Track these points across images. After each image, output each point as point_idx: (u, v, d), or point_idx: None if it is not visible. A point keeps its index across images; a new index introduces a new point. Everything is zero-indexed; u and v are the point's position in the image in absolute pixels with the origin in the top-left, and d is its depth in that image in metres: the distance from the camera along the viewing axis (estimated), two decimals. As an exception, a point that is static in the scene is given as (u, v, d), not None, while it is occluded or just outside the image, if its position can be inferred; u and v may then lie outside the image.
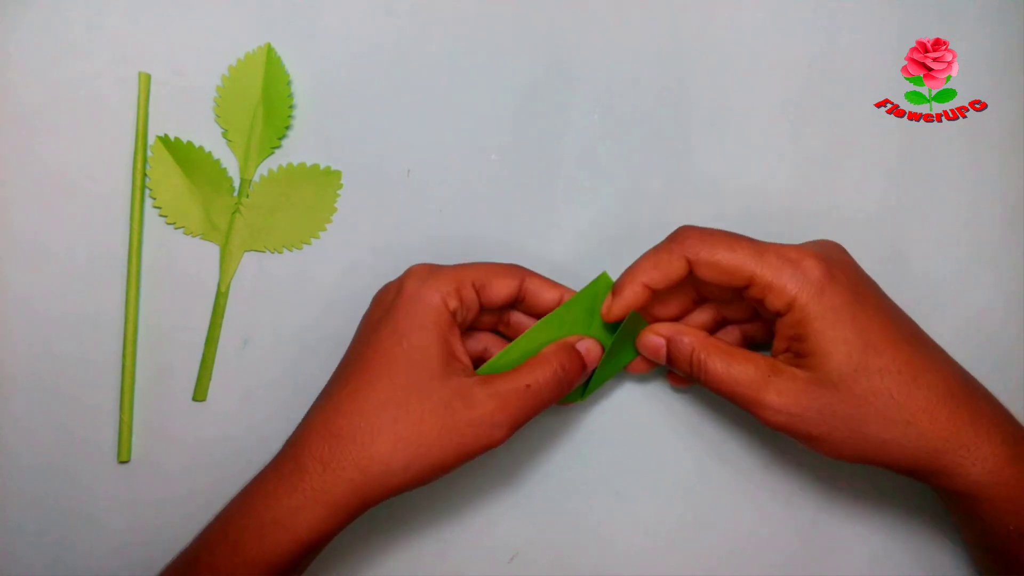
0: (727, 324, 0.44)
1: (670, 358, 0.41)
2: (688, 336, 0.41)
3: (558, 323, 0.41)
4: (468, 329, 0.43)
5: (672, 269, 0.40)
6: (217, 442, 0.46)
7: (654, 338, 0.42)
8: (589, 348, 0.41)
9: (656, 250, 0.40)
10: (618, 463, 0.46)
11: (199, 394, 0.46)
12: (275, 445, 0.46)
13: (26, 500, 0.45)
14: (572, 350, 0.41)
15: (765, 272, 0.38)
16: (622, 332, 0.41)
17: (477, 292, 0.41)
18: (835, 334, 0.38)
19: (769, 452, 0.45)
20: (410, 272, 0.41)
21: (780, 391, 0.38)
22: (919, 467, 0.38)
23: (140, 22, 0.47)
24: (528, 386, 0.39)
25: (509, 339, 0.43)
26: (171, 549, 0.45)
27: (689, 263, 0.39)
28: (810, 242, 0.40)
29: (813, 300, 0.38)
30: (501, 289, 0.41)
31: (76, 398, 0.46)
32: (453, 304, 0.39)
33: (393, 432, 0.38)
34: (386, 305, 0.40)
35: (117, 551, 0.46)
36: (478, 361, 0.43)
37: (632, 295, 0.40)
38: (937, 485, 0.39)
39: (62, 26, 0.47)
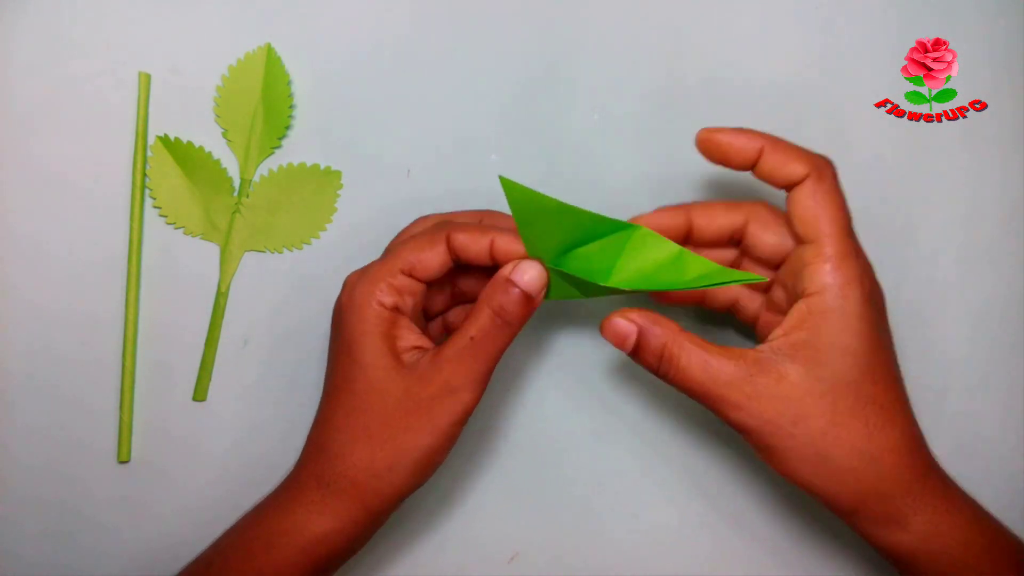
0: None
1: (638, 348, 0.38)
2: (661, 327, 0.38)
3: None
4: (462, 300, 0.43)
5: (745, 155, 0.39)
6: (217, 442, 0.46)
7: (624, 323, 0.38)
8: (524, 271, 0.38)
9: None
10: (618, 463, 0.46)
11: (199, 394, 0.46)
12: (275, 445, 0.46)
13: (26, 500, 0.45)
14: (505, 283, 0.38)
15: (833, 245, 0.37)
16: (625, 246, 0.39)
17: (411, 275, 0.40)
18: (848, 341, 0.36)
19: (769, 452, 0.46)
20: (343, 285, 0.41)
21: (760, 394, 0.36)
22: (866, 507, 0.37)
23: (140, 22, 0.47)
24: (472, 338, 0.38)
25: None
26: (171, 549, 0.46)
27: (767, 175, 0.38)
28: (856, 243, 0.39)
29: (843, 297, 0.36)
30: (431, 262, 0.40)
31: (76, 398, 0.46)
32: (389, 300, 0.39)
33: (366, 437, 0.38)
34: (334, 322, 0.41)
35: (117, 551, 0.46)
36: None
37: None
38: (875, 534, 0.38)
39: (62, 26, 0.47)
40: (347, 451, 0.38)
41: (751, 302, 0.42)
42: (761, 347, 0.38)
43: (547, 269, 0.39)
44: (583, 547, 0.46)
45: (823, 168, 0.38)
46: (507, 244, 0.39)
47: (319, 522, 0.38)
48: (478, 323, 0.38)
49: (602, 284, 0.38)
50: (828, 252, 0.37)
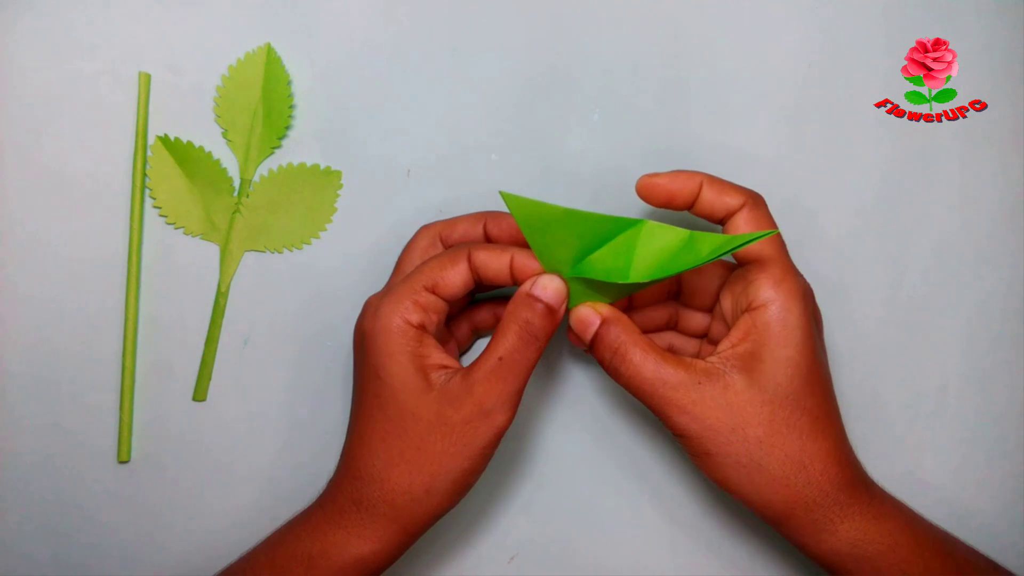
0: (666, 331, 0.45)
1: (596, 339, 0.39)
2: (623, 324, 0.39)
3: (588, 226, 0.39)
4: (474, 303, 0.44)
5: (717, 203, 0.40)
6: (217, 442, 0.46)
7: (590, 313, 0.39)
8: (546, 286, 0.39)
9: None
10: (618, 462, 0.46)
11: (199, 394, 0.46)
12: (275, 445, 0.46)
13: (26, 500, 0.46)
14: (527, 299, 0.39)
15: (775, 264, 0.39)
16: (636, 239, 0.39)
17: (434, 292, 0.40)
18: (791, 353, 0.38)
19: (769, 452, 0.46)
20: (364, 308, 0.41)
21: (705, 400, 0.38)
22: (795, 516, 0.38)
23: (140, 22, 0.47)
24: (500, 359, 0.38)
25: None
26: (171, 549, 0.46)
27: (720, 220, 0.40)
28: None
29: (787, 310, 0.38)
30: (455, 280, 0.40)
31: (76, 397, 0.46)
32: (415, 318, 0.39)
33: (403, 462, 0.38)
34: (358, 346, 0.41)
35: (117, 551, 0.46)
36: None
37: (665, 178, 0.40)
38: (804, 542, 0.39)
39: (62, 26, 0.47)
40: (385, 476, 0.39)
41: (691, 320, 0.44)
42: (710, 358, 0.39)
43: (566, 281, 0.39)
44: (583, 547, 0.46)
45: (757, 198, 0.40)
46: (527, 260, 0.39)
47: (359, 544, 0.39)
48: (505, 343, 0.38)
49: (624, 283, 0.38)
50: (770, 269, 0.39)
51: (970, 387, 0.46)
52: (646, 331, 0.44)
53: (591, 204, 0.47)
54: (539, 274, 0.39)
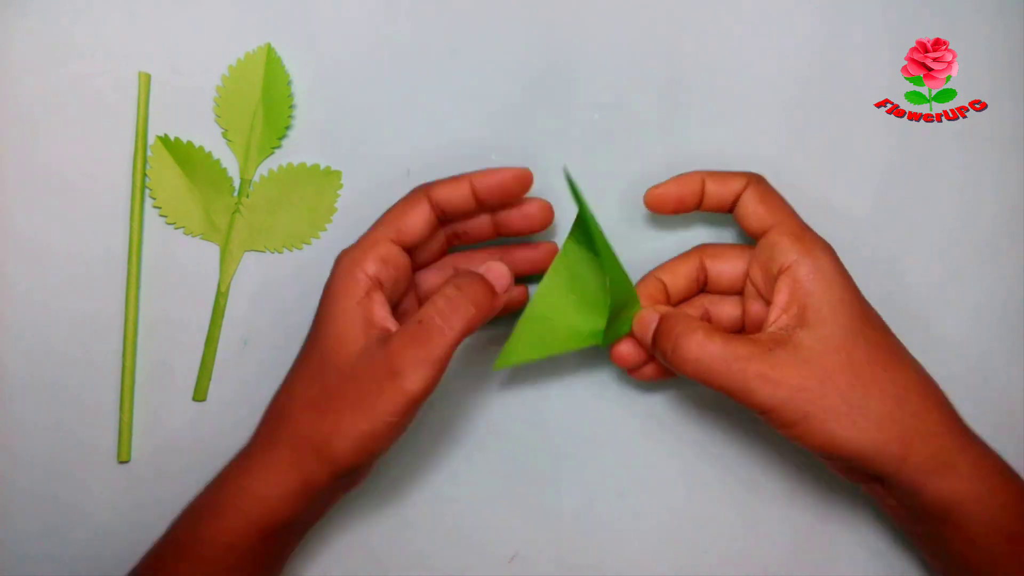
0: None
1: (656, 335, 0.40)
2: (679, 315, 0.40)
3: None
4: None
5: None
6: (217, 442, 0.46)
7: (650, 313, 0.41)
8: (491, 267, 0.39)
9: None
10: (618, 463, 0.46)
11: (199, 394, 0.46)
12: (275, 445, 0.46)
13: (26, 500, 0.46)
14: (466, 271, 0.39)
15: (789, 223, 0.40)
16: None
17: (399, 242, 0.40)
18: (840, 294, 0.38)
19: (769, 453, 0.46)
20: (336, 259, 0.41)
21: (782, 363, 0.37)
22: (913, 450, 0.36)
23: (140, 22, 0.47)
24: (420, 321, 0.37)
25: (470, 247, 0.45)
26: (171, 549, 0.45)
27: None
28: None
29: (816, 259, 0.39)
30: (415, 221, 0.40)
31: (76, 398, 0.46)
32: (371, 269, 0.39)
33: (313, 407, 0.38)
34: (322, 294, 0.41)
35: (117, 551, 0.46)
36: None
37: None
38: (926, 484, 0.37)
39: (62, 26, 0.47)
40: (294, 416, 0.38)
41: (723, 311, 0.44)
42: (768, 329, 0.39)
43: (511, 274, 0.40)
44: (583, 547, 0.46)
45: (759, 177, 0.41)
46: (486, 177, 0.40)
47: (262, 489, 0.38)
48: (430, 307, 0.38)
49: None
50: (787, 229, 0.40)
51: (970, 387, 0.46)
52: None
53: (592, 202, 0.47)
54: (502, 181, 0.40)
